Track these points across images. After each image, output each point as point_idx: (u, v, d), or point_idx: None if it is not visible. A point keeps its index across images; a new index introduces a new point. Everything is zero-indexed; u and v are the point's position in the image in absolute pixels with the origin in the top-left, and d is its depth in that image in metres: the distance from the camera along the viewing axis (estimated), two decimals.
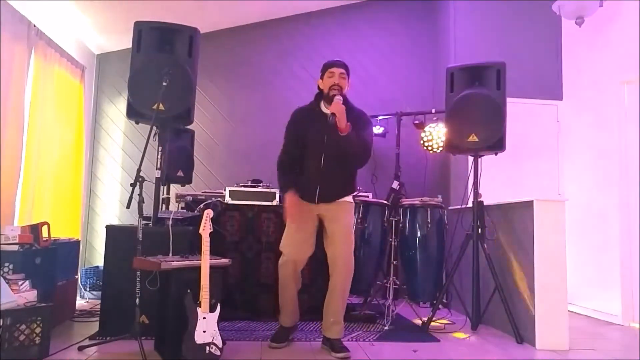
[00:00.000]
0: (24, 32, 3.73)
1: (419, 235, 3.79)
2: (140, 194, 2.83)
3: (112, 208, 5.25)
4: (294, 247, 2.98)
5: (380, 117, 5.27)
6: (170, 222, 3.07)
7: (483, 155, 3.76)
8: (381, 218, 3.84)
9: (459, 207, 3.86)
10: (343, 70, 2.95)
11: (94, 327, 3.22)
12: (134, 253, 2.77)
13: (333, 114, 2.74)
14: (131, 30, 3.27)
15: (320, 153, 2.92)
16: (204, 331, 2.51)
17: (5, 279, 2.68)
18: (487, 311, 3.69)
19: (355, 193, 3.10)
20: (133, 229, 2.88)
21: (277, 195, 3.75)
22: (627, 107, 4.22)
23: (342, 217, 2.97)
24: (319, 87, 3.04)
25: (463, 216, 3.77)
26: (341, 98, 2.82)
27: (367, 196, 4.03)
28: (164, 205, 4.32)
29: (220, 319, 2.62)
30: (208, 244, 2.62)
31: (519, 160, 4.87)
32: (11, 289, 2.64)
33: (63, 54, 4.40)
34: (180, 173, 4.44)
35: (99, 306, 3.22)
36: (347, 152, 2.88)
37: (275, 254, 3.46)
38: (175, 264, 2.61)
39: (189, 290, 2.54)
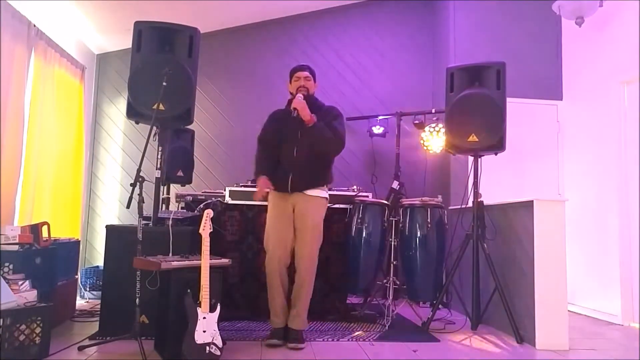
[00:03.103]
0: (24, 32, 3.73)
1: (419, 235, 3.78)
2: (140, 194, 2.83)
3: (112, 208, 5.25)
4: (275, 242, 3.09)
5: (380, 117, 5.27)
6: (170, 222, 3.07)
7: (483, 155, 3.76)
8: (381, 218, 3.83)
9: (459, 207, 3.86)
10: (307, 74, 3.23)
11: (94, 327, 3.22)
12: (134, 253, 2.77)
13: (294, 109, 3.01)
14: (131, 30, 3.27)
15: (294, 145, 3.11)
16: (204, 331, 2.51)
17: (5, 279, 2.68)
18: (487, 311, 3.69)
19: (329, 184, 3.28)
20: (133, 229, 2.88)
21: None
22: (627, 107, 4.22)
23: (311, 213, 3.11)
24: (289, 91, 3.28)
25: (463, 216, 3.77)
26: (302, 95, 3.09)
27: (367, 196, 4.02)
28: (164, 205, 4.32)
29: (220, 319, 2.62)
30: (208, 244, 2.62)
31: (519, 160, 4.87)
32: (11, 289, 2.64)
33: (63, 54, 4.40)
34: (180, 173, 4.44)
35: (99, 306, 3.22)
36: (319, 140, 3.08)
37: None
38: (175, 264, 2.61)
39: (189, 290, 2.54)
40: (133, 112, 3.26)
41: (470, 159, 3.85)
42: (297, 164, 3.10)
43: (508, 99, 3.64)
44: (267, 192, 3.16)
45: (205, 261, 2.59)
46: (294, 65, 3.36)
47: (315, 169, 3.16)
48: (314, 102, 3.19)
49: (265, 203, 3.29)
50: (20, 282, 2.77)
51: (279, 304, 3.10)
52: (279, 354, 2.88)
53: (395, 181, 4.93)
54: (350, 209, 3.93)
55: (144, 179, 2.85)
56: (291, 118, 3.06)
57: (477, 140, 3.58)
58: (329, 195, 3.95)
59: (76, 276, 3.99)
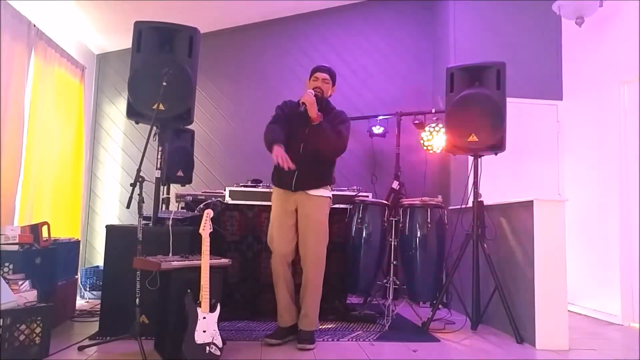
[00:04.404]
0: (24, 32, 3.73)
1: (418, 235, 3.78)
2: (140, 194, 2.83)
3: (112, 208, 5.25)
4: (278, 239, 3.10)
5: (380, 117, 5.27)
6: (170, 222, 3.07)
7: (483, 155, 3.76)
8: (381, 218, 3.83)
9: (459, 207, 3.86)
10: (326, 76, 3.22)
11: (94, 327, 3.22)
12: (134, 253, 2.77)
13: (303, 103, 2.99)
14: (131, 30, 3.27)
15: (300, 143, 3.10)
16: (204, 331, 2.51)
17: (5, 279, 2.68)
18: (487, 311, 3.69)
19: (331, 185, 3.26)
20: (133, 229, 2.88)
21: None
22: (627, 107, 4.22)
23: (314, 213, 3.10)
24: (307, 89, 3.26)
25: (463, 216, 3.77)
26: (313, 92, 3.08)
27: (367, 196, 4.02)
28: (164, 205, 4.32)
29: (220, 319, 2.62)
30: (208, 244, 2.62)
31: (519, 160, 4.87)
32: (11, 289, 2.64)
33: (63, 54, 4.40)
34: (180, 173, 4.44)
35: (99, 306, 3.22)
36: (321, 141, 3.07)
37: None
38: (175, 264, 2.61)
39: (189, 290, 2.54)
40: (133, 112, 3.25)
41: (470, 159, 3.85)
42: (303, 162, 3.07)
43: (508, 99, 3.64)
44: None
45: (205, 261, 2.59)
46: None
47: (320, 169, 3.15)
48: (325, 105, 3.19)
49: (265, 203, 3.30)
50: (20, 282, 2.77)
51: (283, 302, 3.12)
52: (279, 353, 2.88)
53: (395, 181, 4.93)
54: (350, 209, 3.93)
55: (144, 179, 2.85)
56: (299, 114, 3.05)
57: (477, 140, 3.58)
58: None
59: (76, 276, 3.98)
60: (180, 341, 2.47)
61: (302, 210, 3.11)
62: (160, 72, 3.04)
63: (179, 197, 4.27)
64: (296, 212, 3.13)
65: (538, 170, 4.97)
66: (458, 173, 4.84)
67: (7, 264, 2.87)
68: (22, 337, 2.50)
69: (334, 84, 3.28)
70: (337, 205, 3.91)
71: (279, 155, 2.92)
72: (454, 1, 5.13)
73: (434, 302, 3.79)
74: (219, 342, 2.57)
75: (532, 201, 3.27)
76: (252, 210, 3.83)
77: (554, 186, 4.97)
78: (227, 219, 3.82)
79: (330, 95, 3.28)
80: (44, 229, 3.25)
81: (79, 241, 4.17)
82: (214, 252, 2.71)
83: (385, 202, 4.10)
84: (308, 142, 3.09)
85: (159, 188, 3.35)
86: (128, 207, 2.73)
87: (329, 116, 3.14)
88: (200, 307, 2.53)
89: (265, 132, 3.09)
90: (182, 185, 4.69)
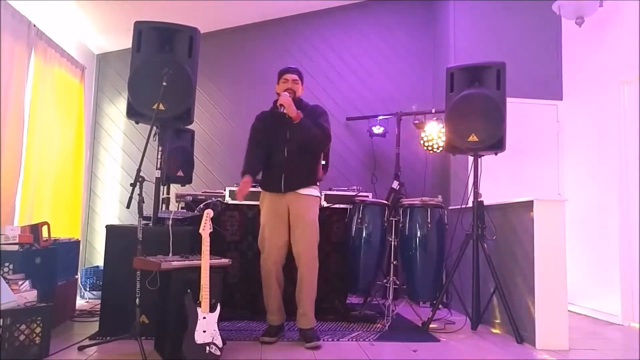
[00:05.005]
0: (24, 32, 3.73)
1: (419, 235, 3.79)
2: (140, 194, 2.83)
3: (112, 208, 5.25)
4: (270, 242, 3.12)
5: (380, 117, 5.27)
6: (170, 222, 3.07)
7: (483, 155, 3.76)
8: (381, 218, 3.83)
9: (459, 207, 3.86)
10: (295, 77, 3.30)
11: (94, 327, 3.22)
12: (134, 253, 2.77)
13: (281, 105, 3.06)
14: (131, 30, 3.27)
15: (284, 145, 3.15)
16: (204, 331, 2.52)
17: (5, 279, 2.68)
18: (487, 311, 3.69)
19: (318, 182, 3.28)
20: (133, 229, 2.88)
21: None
22: (627, 107, 4.22)
23: (306, 212, 3.13)
24: (276, 92, 3.31)
25: (463, 216, 3.77)
26: (287, 93, 3.14)
27: (367, 196, 4.03)
28: (164, 205, 4.32)
29: (220, 319, 2.63)
30: (208, 244, 2.63)
31: (519, 160, 4.87)
32: (11, 289, 2.64)
33: (63, 54, 4.40)
34: (180, 173, 4.44)
35: (99, 306, 3.22)
36: (306, 137, 3.11)
37: None
38: (175, 264, 2.61)
39: (189, 290, 2.54)
40: (133, 112, 3.25)
41: (470, 159, 3.85)
42: (289, 163, 3.12)
43: (508, 99, 3.64)
44: (248, 192, 3.15)
45: (205, 261, 2.59)
46: (295, 65, 3.37)
47: (306, 167, 3.19)
48: (299, 103, 3.22)
49: None
50: (20, 282, 2.77)
51: (276, 303, 3.13)
52: (279, 353, 2.88)
53: (395, 181, 4.93)
54: (350, 209, 3.93)
55: (144, 179, 2.85)
56: (278, 118, 3.10)
57: (477, 140, 3.58)
58: (329, 195, 3.98)
59: (76, 276, 3.99)
60: (180, 341, 2.47)
61: (294, 210, 3.13)
62: (160, 72, 3.04)
63: (179, 197, 4.27)
64: (287, 210, 3.14)
65: (538, 170, 4.97)
66: (458, 173, 4.84)
67: (7, 264, 2.87)
68: (22, 337, 2.50)
69: (302, 83, 3.35)
70: (337, 205, 3.92)
71: (240, 189, 3.07)
72: (453, 1, 5.13)
73: (434, 302, 3.80)
74: (219, 342, 2.57)
75: (532, 201, 3.27)
76: (252, 210, 3.82)
77: (554, 186, 4.97)
78: (227, 219, 3.82)
79: (300, 95, 3.31)
80: (44, 229, 3.25)
81: (79, 241, 4.17)
82: (214, 252, 2.71)
83: (385, 202, 4.10)
84: (292, 142, 3.13)
85: (159, 188, 3.35)
86: (128, 207, 2.74)
87: (305, 112, 3.18)
88: (200, 307, 2.53)
89: (244, 158, 3.24)
90: (182, 185, 4.69)
